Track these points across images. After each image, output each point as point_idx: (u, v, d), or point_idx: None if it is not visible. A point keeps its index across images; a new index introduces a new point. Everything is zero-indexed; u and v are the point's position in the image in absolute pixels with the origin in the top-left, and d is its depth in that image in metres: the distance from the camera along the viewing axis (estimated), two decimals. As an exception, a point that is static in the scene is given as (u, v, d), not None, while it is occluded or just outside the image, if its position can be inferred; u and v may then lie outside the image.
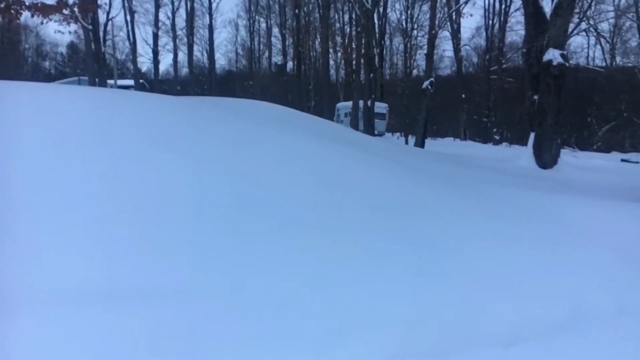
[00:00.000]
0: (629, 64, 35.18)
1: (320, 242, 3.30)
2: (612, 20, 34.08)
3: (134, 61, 37.24)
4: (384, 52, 40.67)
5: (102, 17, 31.26)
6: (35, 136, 3.51)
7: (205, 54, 49.83)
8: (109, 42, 35.02)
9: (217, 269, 2.78)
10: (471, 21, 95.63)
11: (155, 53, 38.68)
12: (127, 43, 39.28)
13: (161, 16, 39.83)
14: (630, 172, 15.13)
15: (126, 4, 35.35)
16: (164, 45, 42.57)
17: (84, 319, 2.24)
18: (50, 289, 2.36)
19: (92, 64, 25.98)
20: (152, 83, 39.38)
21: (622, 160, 21.80)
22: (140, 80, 36.94)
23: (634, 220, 5.11)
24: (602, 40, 37.58)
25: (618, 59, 38.26)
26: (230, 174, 3.86)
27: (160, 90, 32.40)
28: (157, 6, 38.51)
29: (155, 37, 38.72)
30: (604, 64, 38.07)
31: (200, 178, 3.65)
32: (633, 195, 8.62)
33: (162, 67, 49.56)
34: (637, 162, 21.02)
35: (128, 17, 36.13)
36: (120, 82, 34.29)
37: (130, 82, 35.97)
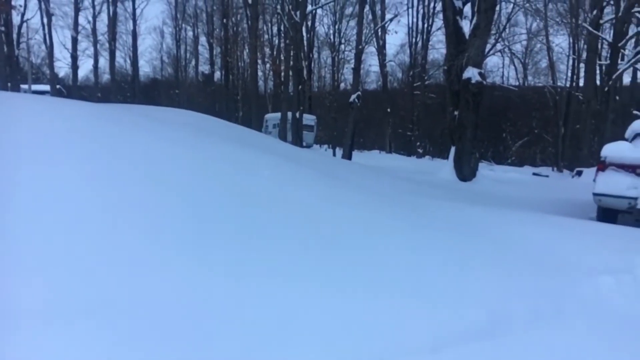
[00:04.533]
0: (540, 84, 37.88)
1: (239, 255, 3.25)
2: (524, 43, 36.62)
3: (51, 66, 35.33)
4: (312, 65, 41.14)
5: (16, 19, 29.56)
6: None
7: (128, 61, 48.35)
8: (23, 45, 33.19)
9: (144, 281, 2.66)
10: (396, 38, 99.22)
11: (74, 58, 36.94)
12: (43, 47, 37.33)
13: (81, 20, 38.14)
14: (541, 185, 16.17)
15: (43, 6, 33.60)
16: (83, 50, 40.93)
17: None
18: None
19: (3, 67, 24.42)
20: (70, 89, 37.56)
21: (534, 174, 23.28)
22: (57, 86, 35.13)
23: (546, 229, 5.43)
24: (516, 60, 40.22)
25: (530, 78, 41.07)
26: (148, 186, 3.73)
27: (79, 96, 30.96)
28: (77, 10, 36.84)
29: (75, 41, 36.99)
30: (517, 83, 40.68)
31: (118, 190, 3.50)
32: (544, 206, 9.20)
33: (82, 73, 47.48)
34: (547, 176, 22.53)
35: (45, 20, 34.33)
36: (35, 87, 32.50)
37: (46, 87, 34.15)
